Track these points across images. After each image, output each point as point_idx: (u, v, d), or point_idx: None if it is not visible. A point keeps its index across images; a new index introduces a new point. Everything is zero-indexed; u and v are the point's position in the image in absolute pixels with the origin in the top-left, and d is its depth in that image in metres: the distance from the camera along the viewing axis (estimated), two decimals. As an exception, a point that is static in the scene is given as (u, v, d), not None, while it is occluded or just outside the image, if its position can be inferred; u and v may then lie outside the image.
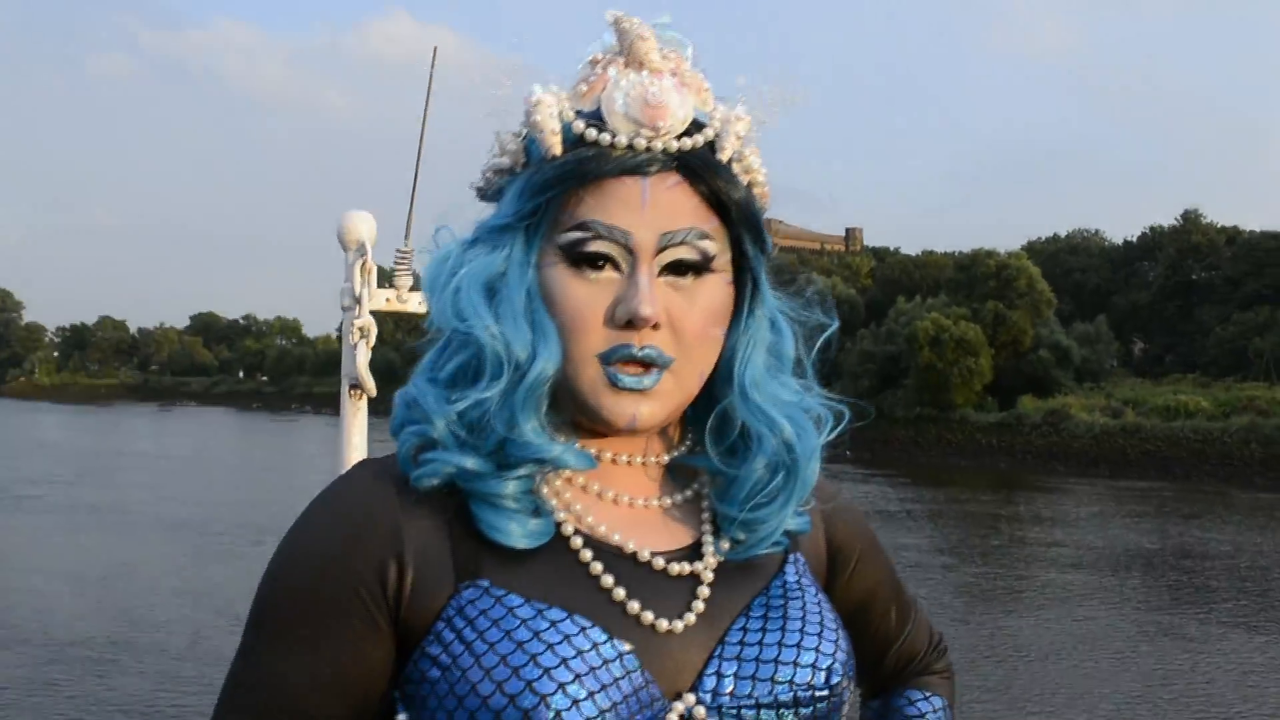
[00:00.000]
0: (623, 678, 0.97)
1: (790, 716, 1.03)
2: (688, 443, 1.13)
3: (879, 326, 58.20)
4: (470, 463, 1.01)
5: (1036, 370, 49.51)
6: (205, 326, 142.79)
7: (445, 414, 1.02)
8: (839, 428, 1.13)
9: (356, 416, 1.85)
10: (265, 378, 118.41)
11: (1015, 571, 17.22)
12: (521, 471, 1.02)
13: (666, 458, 1.12)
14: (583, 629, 0.98)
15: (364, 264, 1.82)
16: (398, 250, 1.90)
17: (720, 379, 1.09)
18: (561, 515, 1.05)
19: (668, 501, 1.10)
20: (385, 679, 1.02)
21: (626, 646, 0.99)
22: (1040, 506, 26.25)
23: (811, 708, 1.04)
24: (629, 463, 1.10)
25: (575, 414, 1.06)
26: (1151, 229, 68.11)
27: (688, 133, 1.04)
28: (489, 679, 0.95)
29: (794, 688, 1.03)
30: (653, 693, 0.99)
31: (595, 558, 1.03)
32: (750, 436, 1.08)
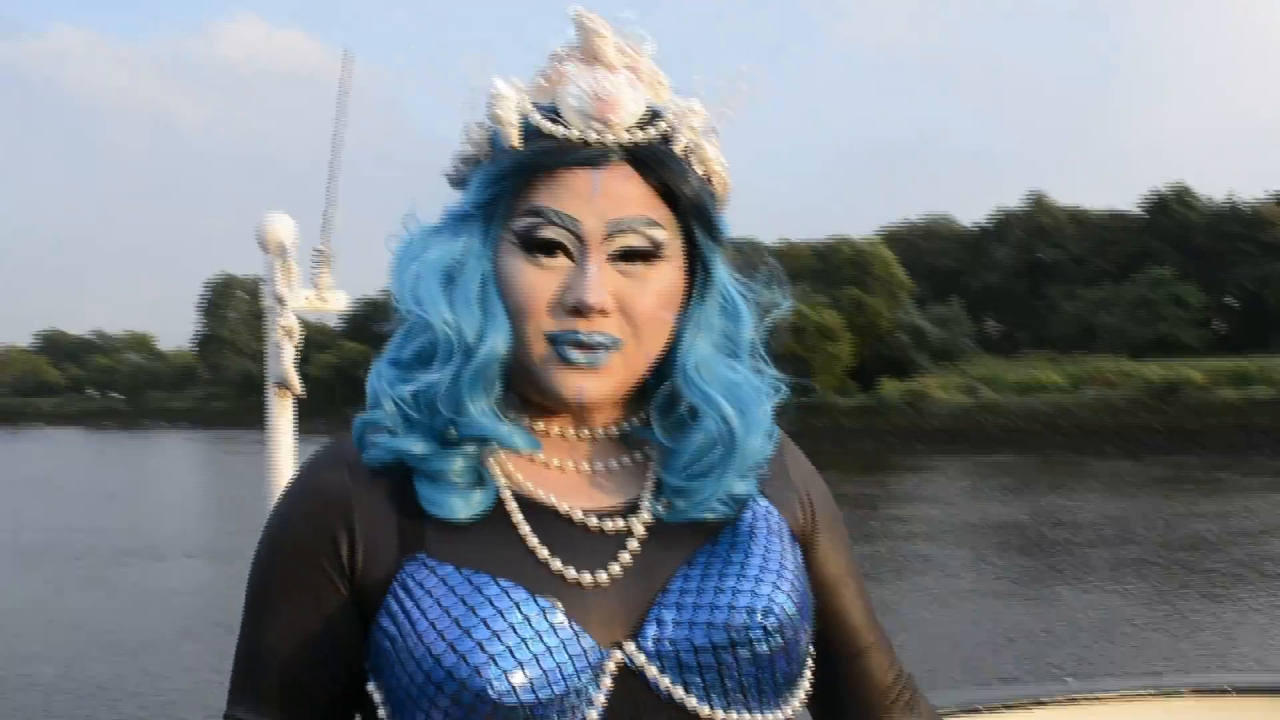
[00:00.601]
0: (547, 632, 1.02)
1: (729, 658, 1.07)
2: (640, 415, 1.17)
3: (741, 316, 58.77)
4: (415, 446, 1.07)
5: (895, 353, 50.69)
6: (52, 344, 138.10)
7: (396, 395, 1.08)
8: (776, 399, 1.19)
9: (283, 415, 1.87)
10: (119, 395, 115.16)
11: (898, 550, 17.60)
12: (468, 449, 1.08)
13: (616, 430, 1.16)
14: (505, 590, 1.04)
15: (286, 264, 1.83)
16: (315, 249, 1.92)
17: (668, 359, 1.13)
18: (503, 484, 1.10)
19: (614, 465, 1.15)
20: (357, 645, 1.09)
21: (548, 603, 1.04)
22: (911, 485, 26.92)
23: (749, 649, 1.07)
24: (578, 435, 1.15)
25: (526, 390, 1.11)
26: (1001, 211, 70.11)
27: (641, 126, 1.09)
28: (428, 652, 1.02)
29: (729, 630, 1.06)
30: (584, 644, 1.04)
31: (527, 520, 1.08)
32: (694, 413, 1.13)
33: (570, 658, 1.03)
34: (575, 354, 1.07)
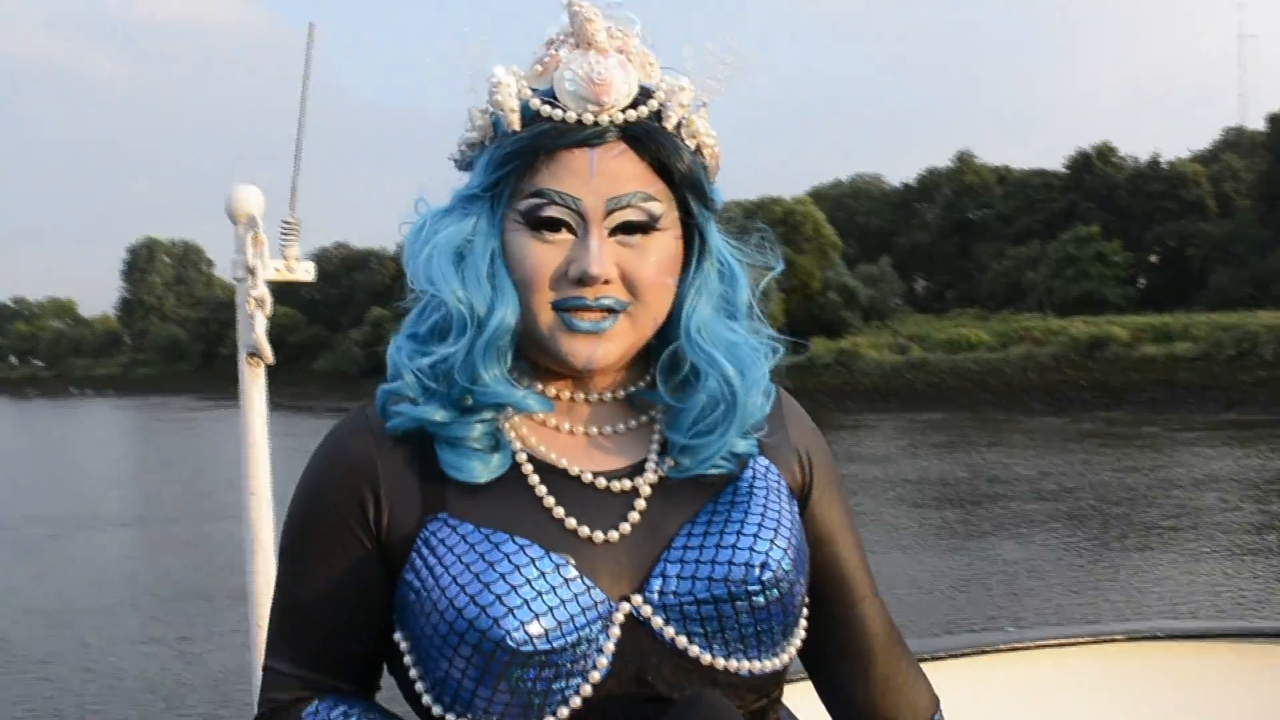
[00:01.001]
0: (561, 585, 1.11)
1: (729, 610, 1.14)
2: (646, 380, 1.24)
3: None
4: (435, 414, 1.15)
5: (826, 312, 51.03)
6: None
7: (415, 367, 1.16)
8: (774, 361, 1.26)
9: (256, 383, 1.90)
10: (40, 363, 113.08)
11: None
12: (485, 415, 1.16)
13: (623, 393, 1.24)
14: (522, 547, 1.12)
15: (256, 236, 1.87)
16: (284, 221, 1.95)
17: (671, 323, 1.21)
18: (518, 447, 1.18)
19: (621, 428, 1.23)
20: (384, 599, 1.18)
21: (561, 559, 1.13)
22: (849, 444, 27.14)
23: (747, 601, 1.14)
24: (586, 399, 1.22)
25: (537, 357, 1.19)
26: (929, 171, 70.53)
27: (634, 105, 1.16)
28: (451, 605, 1.10)
29: (729, 584, 1.14)
30: (595, 596, 1.12)
31: (542, 482, 1.17)
32: (697, 373, 1.20)
33: (582, 610, 1.11)
34: (582, 321, 1.14)
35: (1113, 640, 3.02)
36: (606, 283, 1.14)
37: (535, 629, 1.08)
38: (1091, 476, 20.14)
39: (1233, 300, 46.24)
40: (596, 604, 1.12)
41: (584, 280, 1.13)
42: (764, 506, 1.20)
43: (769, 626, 1.17)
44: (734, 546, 1.15)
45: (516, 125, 1.16)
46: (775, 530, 1.18)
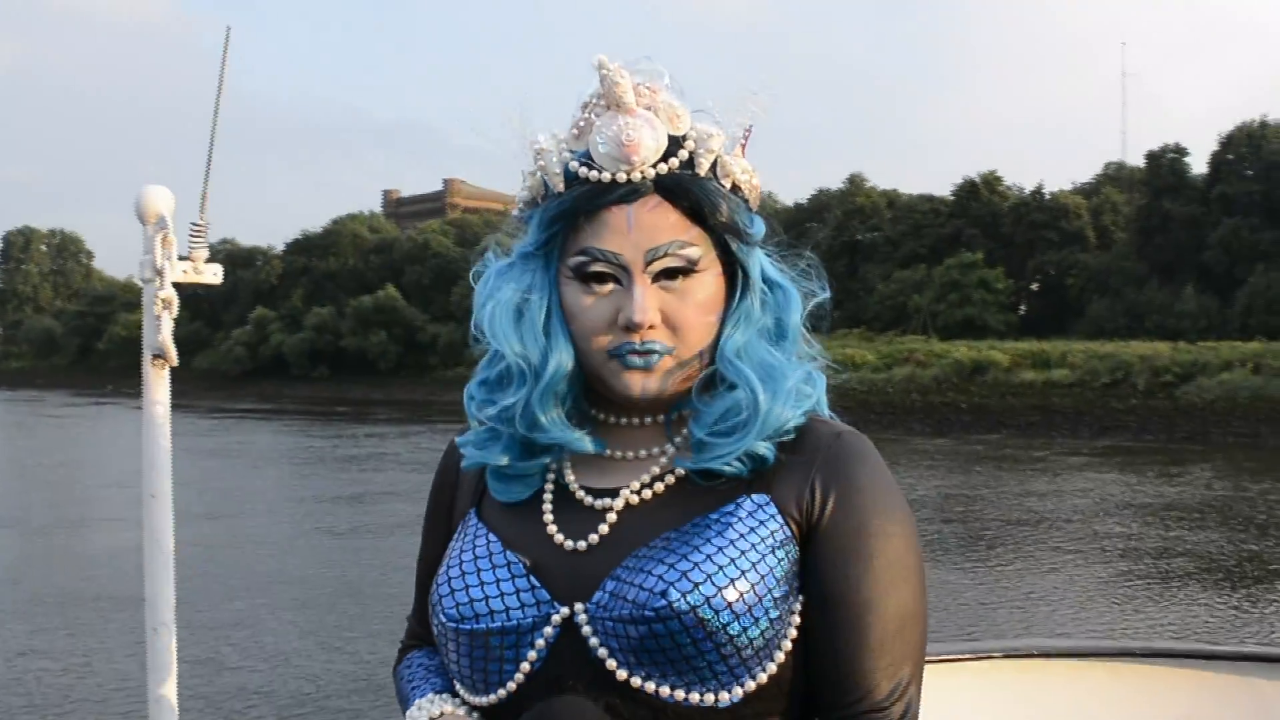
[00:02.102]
0: (506, 580, 1.25)
1: (634, 632, 1.18)
2: (692, 395, 1.30)
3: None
4: (500, 458, 1.31)
5: (716, 328, 51.16)
6: None
7: (481, 416, 1.32)
8: (813, 379, 1.33)
9: (160, 385, 1.87)
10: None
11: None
12: (542, 460, 1.31)
13: (662, 417, 1.32)
14: (489, 543, 1.30)
15: (165, 237, 1.84)
16: (193, 224, 1.92)
17: (714, 348, 1.28)
18: (552, 470, 1.32)
19: (647, 452, 1.32)
20: None
21: (517, 557, 1.27)
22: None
23: (647, 627, 1.17)
24: (640, 424, 1.32)
25: (596, 386, 1.30)
26: (820, 191, 71.33)
27: (665, 158, 1.25)
28: (438, 576, 1.32)
29: (633, 605, 1.18)
30: (539, 596, 1.24)
31: (553, 497, 1.31)
32: (731, 387, 1.27)
33: (522, 605, 1.24)
34: (634, 359, 1.24)
35: (991, 657, 3.11)
36: (651, 327, 1.24)
37: (467, 610, 1.25)
38: (980, 497, 20.52)
39: (1108, 330, 47.62)
40: (539, 603, 1.24)
41: (631, 327, 1.23)
42: (726, 542, 1.20)
43: (684, 654, 1.17)
44: (661, 576, 1.18)
45: (560, 187, 1.27)
46: (724, 568, 1.18)
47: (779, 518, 1.24)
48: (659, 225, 1.24)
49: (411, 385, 63.78)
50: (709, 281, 1.27)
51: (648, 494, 1.28)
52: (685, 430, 1.30)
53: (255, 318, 75.45)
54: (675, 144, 1.26)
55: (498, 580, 1.26)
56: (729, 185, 1.29)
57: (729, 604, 1.17)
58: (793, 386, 1.27)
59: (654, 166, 1.25)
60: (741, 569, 1.19)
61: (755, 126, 1.31)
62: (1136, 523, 17.62)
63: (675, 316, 1.25)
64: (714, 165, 1.28)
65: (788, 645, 1.22)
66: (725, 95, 1.30)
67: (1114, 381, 38.16)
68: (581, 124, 1.28)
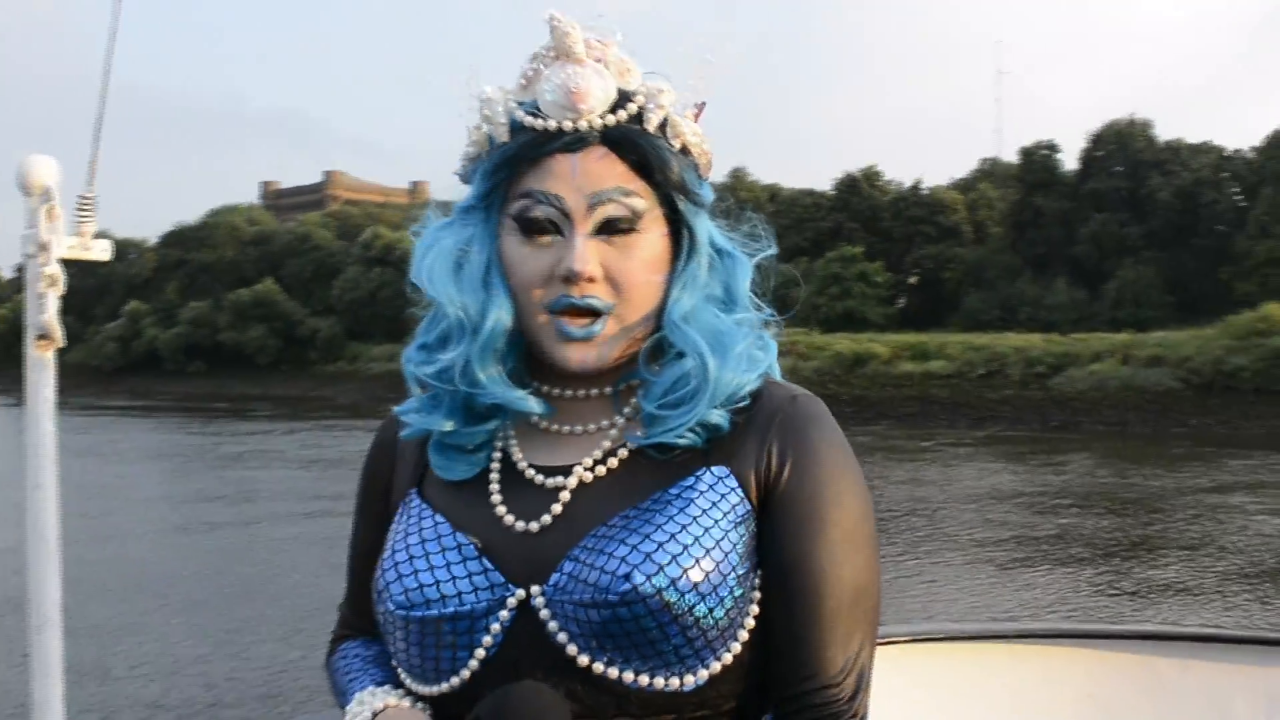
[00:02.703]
0: (458, 563, 1.20)
1: (595, 616, 1.13)
2: (639, 364, 1.26)
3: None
4: (443, 423, 1.26)
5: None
6: None
7: (421, 374, 1.27)
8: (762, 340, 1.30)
9: (45, 368, 1.76)
10: None
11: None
12: (488, 425, 1.26)
13: (609, 389, 1.28)
14: (435, 524, 1.24)
15: (50, 210, 1.73)
16: (80, 196, 1.82)
17: (660, 314, 1.25)
18: (498, 446, 1.28)
19: (596, 426, 1.27)
20: None
21: (467, 539, 1.21)
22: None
23: (610, 611, 1.12)
24: (585, 395, 1.28)
25: (540, 356, 1.25)
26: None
27: (613, 110, 1.23)
28: (381, 561, 1.26)
29: (595, 589, 1.13)
30: (493, 579, 1.19)
31: (501, 476, 1.26)
32: (679, 355, 1.24)
33: (474, 589, 1.18)
34: (574, 329, 1.21)
35: (895, 642, 3.12)
36: (591, 280, 1.20)
37: (416, 596, 1.19)
38: (886, 489, 20.75)
39: (983, 322, 48.69)
40: (492, 586, 1.18)
41: (570, 278, 1.19)
42: (685, 518, 1.16)
43: (649, 638, 1.13)
44: (622, 558, 1.14)
45: (505, 137, 1.24)
46: (684, 546, 1.14)
47: (739, 490, 1.21)
48: (604, 173, 1.21)
49: (291, 380, 62.60)
50: (654, 240, 1.24)
51: (601, 470, 1.24)
52: (634, 401, 1.26)
53: (128, 311, 73.43)
54: (625, 97, 1.24)
55: (448, 564, 1.20)
56: (678, 146, 1.26)
57: (695, 585, 1.13)
58: (743, 351, 1.24)
59: (601, 117, 1.22)
60: (706, 547, 1.15)
61: (708, 99, 1.29)
62: (1029, 510, 18.03)
63: (617, 272, 1.21)
64: (664, 124, 1.25)
65: (750, 623, 1.19)
66: (680, 62, 1.28)
67: (989, 373, 39.00)
68: (529, 74, 1.26)
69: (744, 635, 1.18)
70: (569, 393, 1.28)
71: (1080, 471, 23.46)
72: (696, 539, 1.15)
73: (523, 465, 1.26)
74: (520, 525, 1.21)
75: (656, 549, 1.13)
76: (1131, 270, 50.81)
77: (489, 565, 1.20)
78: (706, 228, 1.29)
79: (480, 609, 1.18)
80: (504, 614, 1.18)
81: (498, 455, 1.27)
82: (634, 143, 1.23)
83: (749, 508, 1.20)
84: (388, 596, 1.21)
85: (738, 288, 1.30)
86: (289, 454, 28.15)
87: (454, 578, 1.19)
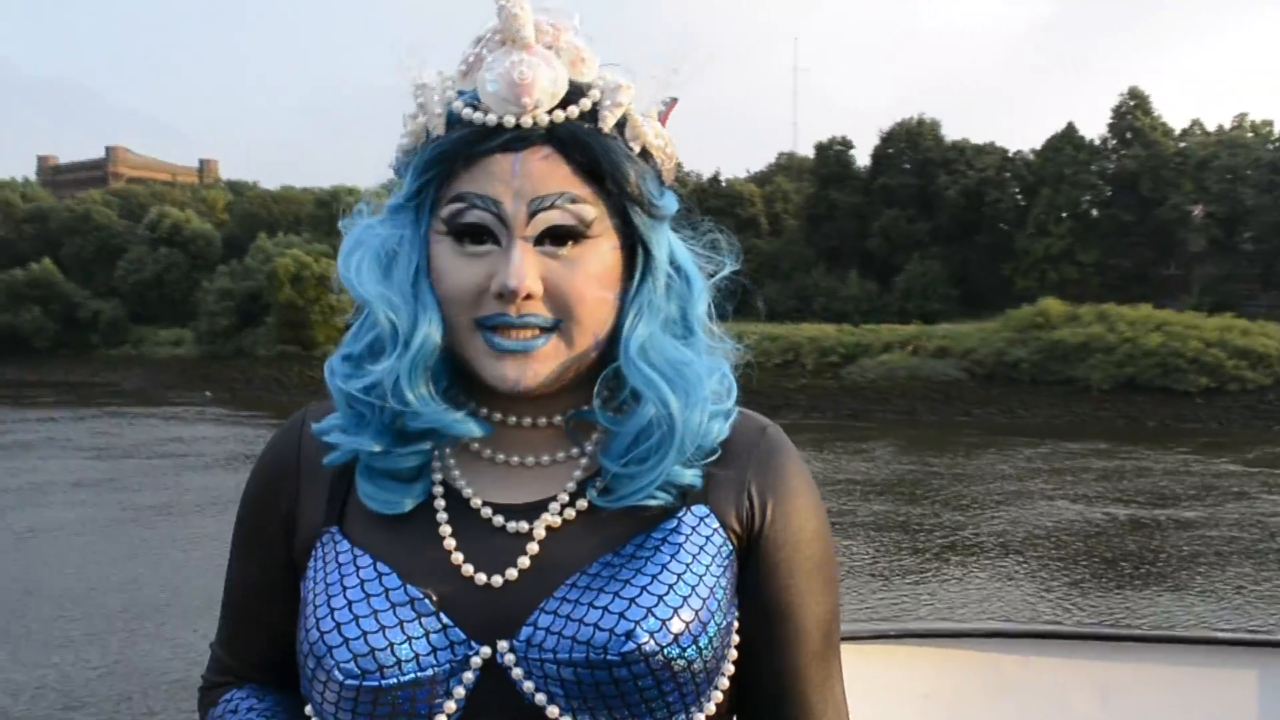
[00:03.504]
0: (411, 621, 1.05)
1: (588, 675, 1.03)
2: (595, 402, 1.13)
3: (239, 263, 56.79)
4: (371, 444, 1.10)
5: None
6: None
7: (348, 390, 1.10)
8: (727, 379, 1.17)
9: None
10: None
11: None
12: (420, 446, 1.11)
13: (560, 419, 1.15)
14: (380, 575, 1.07)
15: None
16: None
17: (613, 340, 1.11)
18: (437, 479, 1.13)
19: (547, 459, 1.14)
20: (292, 600, 1.14)
21: (420, 592, 1.06)
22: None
23: (608, 671, 1.03)
24: (520, 424, 1.14)
25: (475, 377, 1.11)
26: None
27: (563, 105, 1.08)
28: (304, 623, 1.08)
29: (590, 648, 1.03)
30: (452, 637, 1.05)
31: (449, 515, 1.11)
32: (637, 396, 1.10)
33: (433, 649, 1.05)
34: (507, 340, 1.07)
35: None
36: (530, 297, 1.06)
37: (366, 661, 1.04)
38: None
39: (779, 313, 49.79)
40: (452, 644, 1.06)
41: (504, 294, 1.06)
42: (669, 565, 1.08)
43: (644, 698, 1.05)
44: (605, 609, 1.04)
45: (441, 130, 1.09)
46: (663, 595, 1.06)
47: (721, 532, 1.12)
48: (549, 175, 1.07)
49: (71, 365, 59.86)
50: (604, 252, 1.09)
51: (570, 513, 1.11)
52: (594, 437, 1.15)
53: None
54: (577, 91, 1.09)
55: (400, 622, 1.05)
56: (638, 149, 1.11)
57: (694, 639, 1.05)
58: (708, 393, 1.13)
59: (549, 112, 1.08)
60: (702, 597, 1.07)
61: (680, 98, 1.16)
62: (843, 498, 18.49)
63: (561, 287, 1.07)
64: (621, 123, 1.11)
65: (730, 668, 1.12)
66: (646, 56, 1.14)
67: (785, 362, 39.90)
68: (471, 60, 1.11)
69: (725, 682, 1.11)
70: (513, 419, 1.14)
71: (885, 459, 24.22)
72: (693, 589, 1.07)
73: (476, 503, 1.12)
74: (481, 578, 1.08)
75: (657, 602, 1.05)
76: (919, 264, 52.76)
77: (448, 621, 1.06)
78: (666, 242, 1.14)
79: (442, 673, 1.05)
80: (468, 675, 1.06)
81: (439, 487, 1.12)
82: (584, 143, 1.08)
83: (731, 549, 1.13)
84: (332, 664, 1.04)
85: (695, 312, 1.16)
86: (83, 443, 26.85)
87: (409, 638, 1.04)
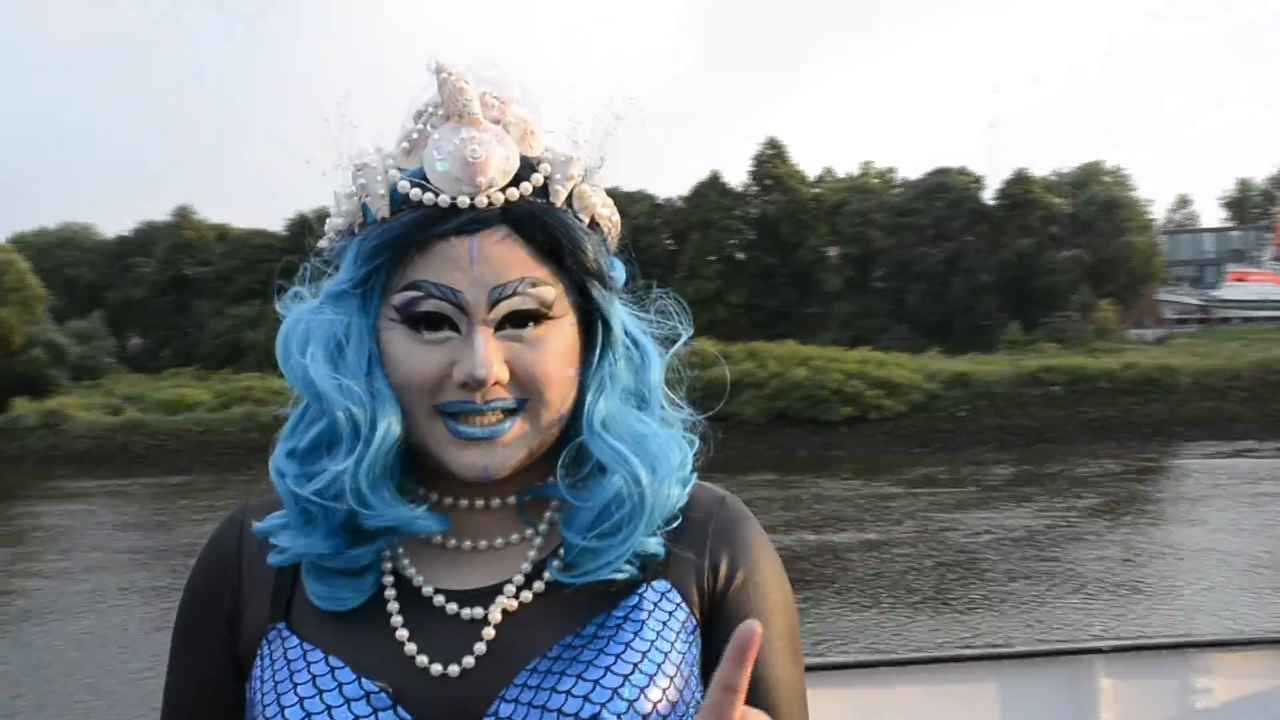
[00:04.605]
0: (368, 716, 1.01)
1: None
2: (551, 478, 1.10)
3: None
4: (320, 545, 1.06)
5: (30, 370, 47.25)
6: None
7: (301, 494, 1.05)
8: (689, 447, 1.14)
9: None
10: None
11: (61, 591, 16.19)
12: (374, 545, 1.06)
13: (513, 498, 1.12)
14: (332, 669, 1.04)
15: None
16: None
17: (574, 415, 1.09)
18: (387, 567, 1.08)
19: (504, 540, 1.11)
20: (237, 703, 1.12)
21: (376, 686, 1.02)
22: (57, 518, 24.98)
23: None
24: (485, 506, 1.11)
25: (429, 463, 1.07)
26: (146, 224, 68.32)
27: (516, 183, 1.05)
28: (260, 714, 1.04)
29: None
30: None
31: (400, 605, 1.07)
32: (602, 468, 1.08)
33: None
34: (471, 428, 1.04)
35: None
36: (497, 384, 1.03)
37: None
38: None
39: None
40: None
41: (470, 384, 1.02)
42: (630, 641, 1.05)
43: None
44: (569, 693, 1.01)
45: (386, 213, 1.05)
46: (629, 675, 1.03)
47: (684, 606, 1.10)
48: (507, 259, 1.04)
49: None
50: (565, 330, 1.07)
51: (527, 595, 1.08)
52: (548, 516, 1.12)
53: None
54: (528, 167, 1.07)
55: (356, 718, 1.01)
56: (586, 220, 1.10)
57: (664, 718, 1.03)
58: (675, 463, 1.10)
59: (503, 191, 1.04)
60: (669, 675, 1.05)
61: (589, 156, 1.12)
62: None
63: (528, 369, 1.04)
64: (570, 195, 1.08)
65: None
66: (582, 115, 1.12)
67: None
68: (414, 137, 1.08)
69: None
70: (464, 502, 1.11)
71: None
72: (659, 666, 1.04)
73: (428, 591, 1.08)
74: (437, 668, 1.04)
75: (622, 683, 1.02)
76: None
77: (405, 715, 1.02)
78: (620, 315, 1.13)
79: None
80: None
81: (389, 577, 1.09)
82: (542, 221, 1.05)
83: (695, 623, 1.10)
84: None
85: (650, 381, 1.14)
86: None
87: None
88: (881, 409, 36.33)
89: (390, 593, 1.07)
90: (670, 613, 1.08)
